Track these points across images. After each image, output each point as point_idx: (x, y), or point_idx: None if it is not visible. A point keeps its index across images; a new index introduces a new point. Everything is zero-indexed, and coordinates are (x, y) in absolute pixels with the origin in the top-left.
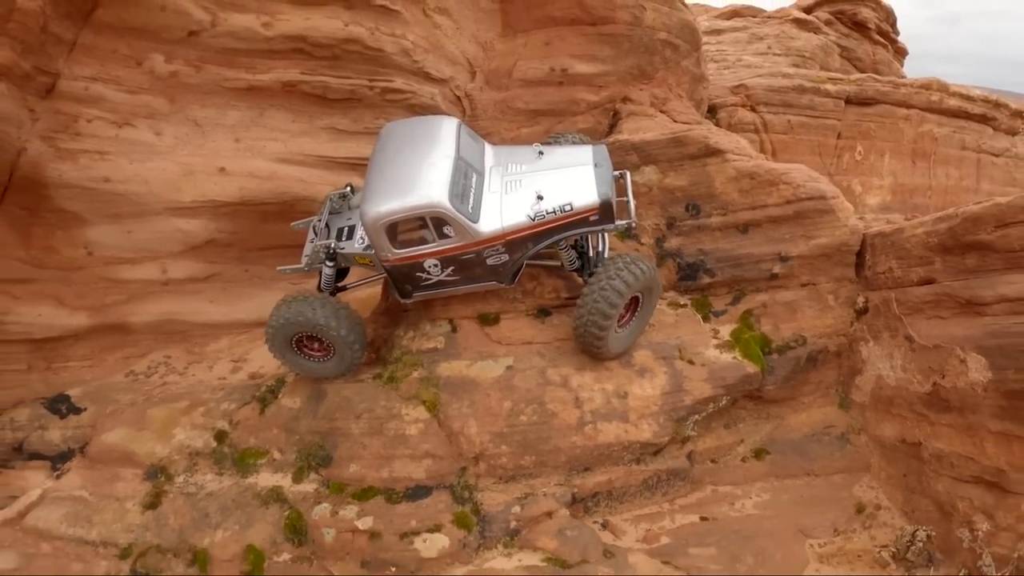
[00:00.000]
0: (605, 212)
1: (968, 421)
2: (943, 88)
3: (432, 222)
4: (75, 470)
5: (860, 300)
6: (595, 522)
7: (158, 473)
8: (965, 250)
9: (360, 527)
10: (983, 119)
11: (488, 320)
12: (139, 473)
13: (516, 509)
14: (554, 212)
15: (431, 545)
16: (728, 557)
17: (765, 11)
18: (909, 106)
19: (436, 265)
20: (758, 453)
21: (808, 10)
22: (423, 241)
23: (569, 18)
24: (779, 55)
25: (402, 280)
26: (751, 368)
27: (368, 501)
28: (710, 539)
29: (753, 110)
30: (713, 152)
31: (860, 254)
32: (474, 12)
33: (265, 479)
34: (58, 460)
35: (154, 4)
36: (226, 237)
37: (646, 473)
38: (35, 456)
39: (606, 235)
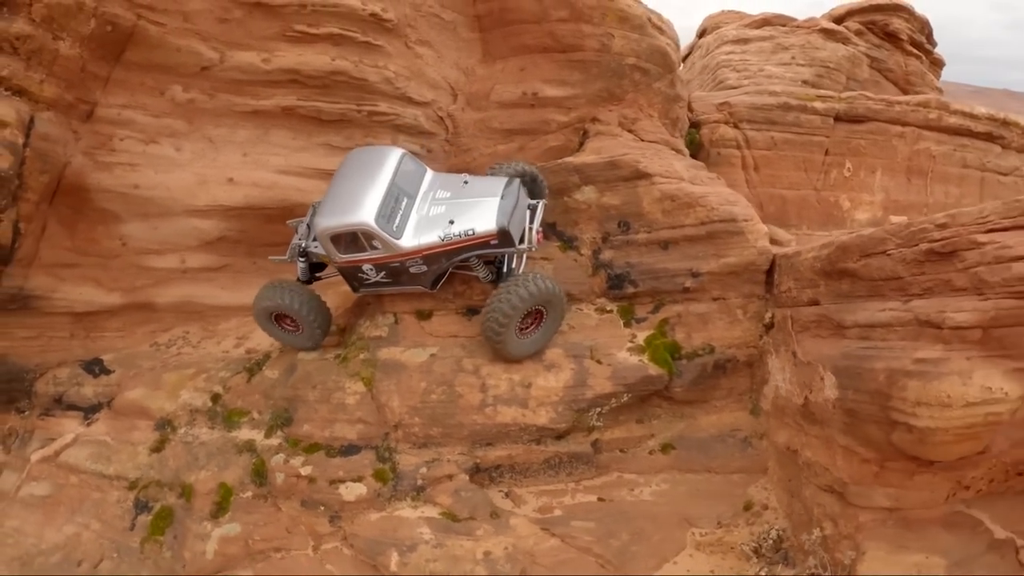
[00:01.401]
0: (503, 238)
1: (826, 434)
2: (943, 106)
3: (363, 236)
4: (102, 420)
5: (768, 316)
6: (500, 491)
7: (165, 425)
8: (840, 276)
9: (303, 473)
10: (989, 137)
11: (423, 315)
12: (151, 424)
13: (423, 470)
14: (460, 235)
15: (351, 491)
16: (604, 531)
17: (796, 20)
18: (904, 123)
19: (372, 269)
20: (665, 447)
21: (838, 20)
22: (362, 249)
23: (542, 46)
24: (802, 65)
25: (350, 277)
26: (654, 371)
27: (313, 454)
28: (595, 515)
29: (736, 127)
30: (642, 175)
31: (771, 273)
32: (455, 42)
33: (244, 434)
34: (89, 411)
35: (171, 46)
36: (235, 235)
37: (546, 453)
38: (71, 407)
39: (522, 255)
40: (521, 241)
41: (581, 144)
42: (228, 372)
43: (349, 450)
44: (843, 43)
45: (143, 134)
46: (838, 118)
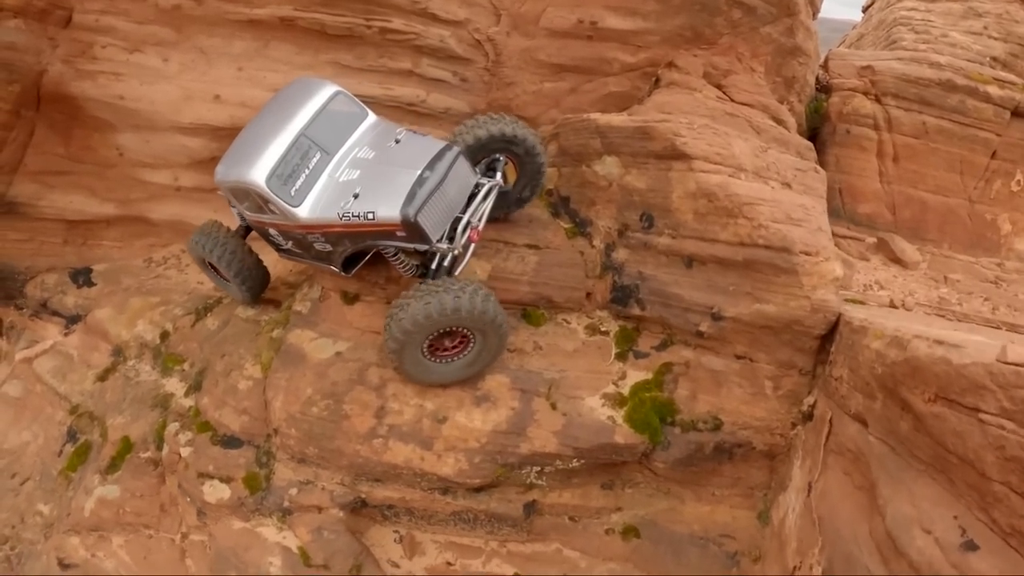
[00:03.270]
0: (411, 231)
1: None
2: None
3: (257, 197)
4: (77, 333)
5: (808, 402)
6: (395, 532)
7: (119, 353)
8: (902, 406)
9: (182, 454)
10: None
11: (348, 298)
12: (109, 349)
13: (293, 491)
14: (358, 217)
15: (213, 492)
16: None
17: None
18: None
19: (278, 235)
20: (627, 531)
21: None
22: (263, 210)
23: None
24: (995, 39)
25: (264, 237)
26: (624, 437)
27: (201, 434)
28: None
29: (877, 100)
30: (679, 155)
31: (829, 341)
32: None
33: (171, 385)
34: (70, 321)
35: None
36: None
37: (455, 507)
38: (55, 314)
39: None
40: (448, 238)
41: (651, 94)
42: (182, 310)
43: (230, 442)
44: None
45: (126, 42)
46: (1016, 112)
